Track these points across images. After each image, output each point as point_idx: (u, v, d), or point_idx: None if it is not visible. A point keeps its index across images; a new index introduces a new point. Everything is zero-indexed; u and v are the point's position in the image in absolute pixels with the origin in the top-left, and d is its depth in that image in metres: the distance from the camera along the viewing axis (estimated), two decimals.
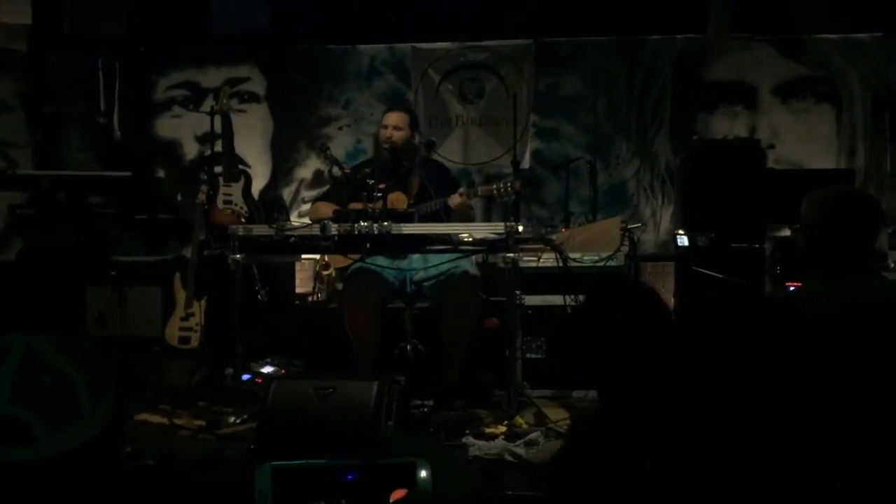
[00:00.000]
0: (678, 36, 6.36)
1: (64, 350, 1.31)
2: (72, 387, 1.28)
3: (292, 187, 6.72)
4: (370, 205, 3.53)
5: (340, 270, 4.50)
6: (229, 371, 3.98)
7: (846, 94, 6.30)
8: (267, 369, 4.28)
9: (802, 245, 2.22)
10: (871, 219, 2.11)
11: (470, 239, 3.55)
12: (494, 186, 4.04)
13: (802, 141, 6.32)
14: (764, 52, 6.30)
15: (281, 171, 6.74)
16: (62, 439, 1.24)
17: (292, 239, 3.55)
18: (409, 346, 4.19)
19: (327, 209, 3.93)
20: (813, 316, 1.89)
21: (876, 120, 6.27)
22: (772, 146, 6.24)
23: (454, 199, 3.97)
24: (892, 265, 4.64)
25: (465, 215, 4.04)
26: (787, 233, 5.86)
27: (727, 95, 6.35)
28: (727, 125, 6.31)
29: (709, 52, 6.33)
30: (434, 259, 3.88)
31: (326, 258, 5.15)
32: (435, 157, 6.19)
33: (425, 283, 4.04)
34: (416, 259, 3.99)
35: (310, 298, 5.74)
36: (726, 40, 6.22)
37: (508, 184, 3.98)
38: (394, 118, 4.25)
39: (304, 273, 6.09)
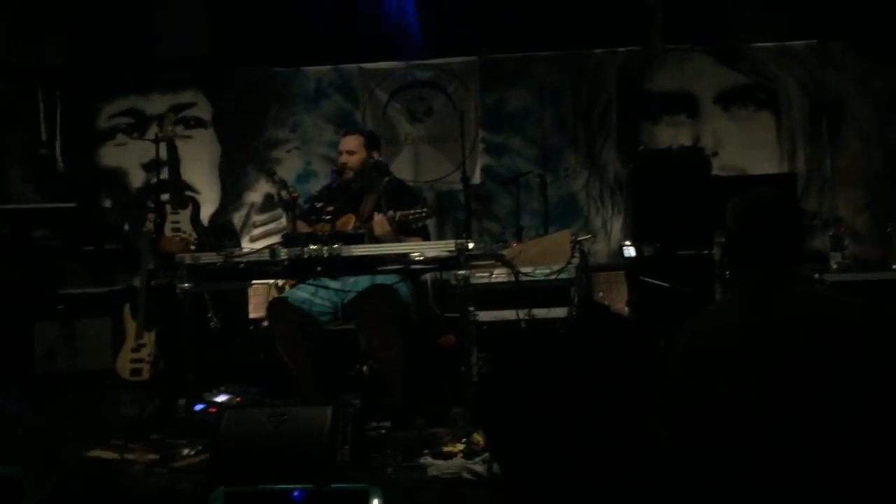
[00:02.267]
0: (620, 49, 6.47)
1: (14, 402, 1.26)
2: (42, 433, 1.23)
3: (242, 212, 6.66)
4: (318, 227, 3.50)
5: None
6: (181, 402, 3.91)
7: (784, 100, 6.46)
8: (221, 398, 4.21)
9: (720, 254, 2.18)
10: (784, 220, 1.95)
11: (421, 258, 3.54)
12: (411, 213, 3.93)
13: (745, 147, 6.46)
14: (703, 62, 6.45)
15: (230, 196, 6.67)
16: (45, 487, 1.19)
17: (241, 265, 3.51)
18: (364, 367, 4.16)
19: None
20: (714, 327, 1.88)
21: (814, 124, 6.43)
22: (716, 154, 6.36)
23: (376, 219, 3.89)
24: (834, 266, 4.74)
25: (389, 238, 3.95)
26: None
27: (670, 105, 6.48)
28: (672, 134, 6.42)
29: (650, 63, 6.45)
30: (362, 279, 3.85)
31: (281, 282, 5.10)
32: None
33: (348, 304, 3.99)
34: (350, 280, 3.94)
35: (264, 323, 5.68)
36: (665, 51, 6.35)
37: (423, 210, 3.90)
38: (347, 143, 4.20)
39: (258, 298, 6.02)
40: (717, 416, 1.75)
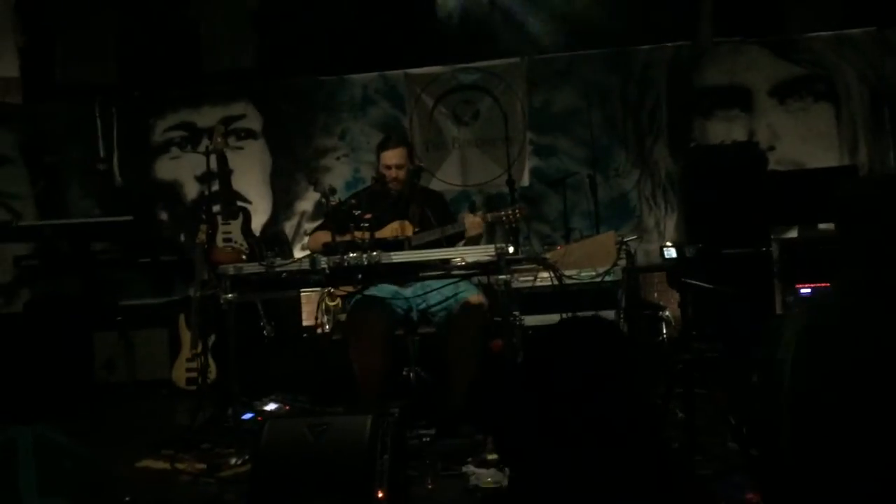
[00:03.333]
0: (668, 44, 6.33)
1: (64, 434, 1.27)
2: (91, 463, 1.24)
3: (294, 221, 6.73)
4: (358, 234, 3.50)
5: (344, 299, 4.45)
6: (230, 411, 3.95)
7: (843, 91, 6.24)
8: (270, 406, 4.24)
9: (844, 238, 2.10)
10: None
11: (462, 263, 3.50)
12: (503, 213, 3.97)
13: (803, 140, 6.26)
14: (756, 54, 6.27)
15: (281, 205, 6.75)
16: None
17: (283, 275, 3.52)
18: (411, 373, 4.14)
19: (326, 237, 3.90)
20: (841, 313, 1.86)
21: (876, 114, 6.20)
22: (772, 148, 6.20)
23: (469, 220, 3.91)
24: None
25: (479, 239, 3.97)
26: (794, 234, 5.79)
27: (723, 100, 6.32)
28: (725, 130, 6.26)
29: (700, 57, 6.30)
30: (436, 285, 3.82)
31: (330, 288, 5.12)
32: (434, 181, 6.22)
33: (431, 312, 3.97)
34: (417, 287, 3.94)
35: (318, 330, 5.71)
36: (715, 45, 6.20)
37: (516, 210, 3.91)
38: (394, 157, 4.16)
39: (312, 305, 6.06)
40: (845, 402, 1.75)
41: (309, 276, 3.46)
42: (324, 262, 3.39)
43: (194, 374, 5.12)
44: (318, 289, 5.45)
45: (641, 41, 6.34)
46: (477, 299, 3.89)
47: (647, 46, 6.35)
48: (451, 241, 3.96)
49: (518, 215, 3.93)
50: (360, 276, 3.46)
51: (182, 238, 6.66)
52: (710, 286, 2.71)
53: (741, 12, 6.12)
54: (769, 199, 5.36)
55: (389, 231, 4.02)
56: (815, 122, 6.27)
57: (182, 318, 5.33)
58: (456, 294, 3.87)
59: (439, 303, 3.91)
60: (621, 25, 6.19)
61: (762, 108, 6.31)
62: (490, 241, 5.86)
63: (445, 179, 6.35)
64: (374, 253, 3.33)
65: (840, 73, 6.22)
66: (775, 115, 6.30)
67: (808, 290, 5.32)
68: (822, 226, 5.68)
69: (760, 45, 6.26)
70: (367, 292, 3.94)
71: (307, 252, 3.82)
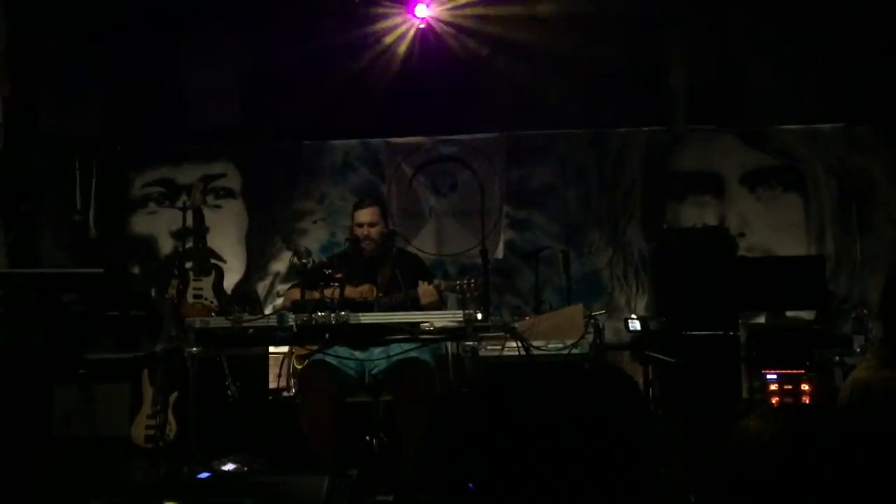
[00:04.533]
0: (645, 128, 6.51)
1: None
2: None
3: (267, 281, 6.72)
4: (328, 294, 3.50)
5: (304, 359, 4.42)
6: (186, 469, 3.86)
7: (812, 183, 6.41)
8: (228, 467, 4.15)
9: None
10: None
11: (431, 328, 3.51)
12: (457, 283, 4.03)
13: (772, 229, 6.39)
14: (729, 143, 6.45)
15: (255, 265, 6.75)
16: None
17: (250, 330, 3.50)
18: (374, 439, 4.09)
19: (297, 295, 3.91)
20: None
21: (843, 207, 6.35)
22: (742, 234, 6.31)
23: (422, 289, 3.95)
24: (857, 349, 4.61)
25: (435, 307, 4.00)
26: (762, 320, 5.87)
27: (695, 185, 6.46)
28: (697, 214, 6.38)
29: (675, 143, 6.47)
30: (395, 349, 3.83)
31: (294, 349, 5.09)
32: (409, 248, 6.27)
33: (381, 374, 3.96)
34: (377, 350, 3.94)
35: (284, 393, 5.65)
36: (690, 132, 6.38)
37: (472, 281, 3.97)
38: (367, 215, 4.22)
39: (279, 367, 6.00)
40: None
41: (276, 333, 3.44)
42: (291, 319, 3.38)
43: (153, 432, 5.03)
44: (285, 350, 5.44)
45: (619, 124, 6.50)
46: (426, 359, 3.88)
47: (623, 129, 6.52)
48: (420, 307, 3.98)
49: (472, 285, 3.97)
50: (327, 335, 3.44)
51: (153, 293, 6.61)
52: (673, 360, 2.73)
53: (715, 102, 6.33)
54: (738, 284, 5.44)
55: (357, 293, 4.03)
56: (785, 212, 6.41)
57: (146, 373, 5.28)
58: (405, 354, 3.84)
59: (388, 365, 3.90)
60: (600, 108, 6.35)
61: (733, 196, 6.46)
62: (461, 309, 5.95)
63: (420, 248, 6.40)
64: (343, 312, 3.33)
65: (809, 166, 6.40)
66: (746, 202, 6.44)
67: (775, 376, 5.37)
68: (789, 313, 5.77)
69: (733, 134, 6.44)
70: (318, 356, 3.92)
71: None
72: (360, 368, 3.98)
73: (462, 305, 6.09)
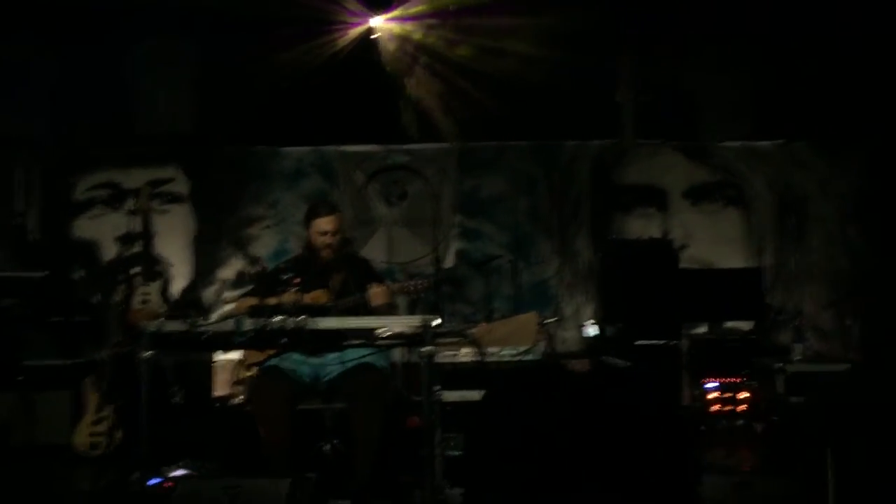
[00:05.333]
0: (593, 141, 6.66)
1: None
2: None
3: (214, 287, 6.64)
4: (285, 299, 3.50)
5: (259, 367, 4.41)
6: (136, 475, 3.81)
7: (752, 198, 6.64)
8: (178, 473, 4.10)
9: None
10: None
11: (388, 333, 3.52)
12: (409, 284, 4.08)
13: (713, 242, 6.60)
14: (673, 158, 6.65)
15: (203, 271, 6.66)
16: None
17: (206, 335, 3.47)
18: (328, 446, 4.09)
19: (253, 302, 3.89)
20: None
21: (782, 221, 6.59)
22: (684, 247, 6.49)
23: (373, 291, 3.97)
24: (796, 358, 4.79)
25: (386, 311, 4.03)
26: (703, 330, 6.04)
27: (640, 198, 6.63)
28: (642, 226, 6.55)
29: (622, 156, 6.63)
30: (350, 355, 3.84)
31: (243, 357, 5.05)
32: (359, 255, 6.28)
33: (335, 380, 3.97)
34: (331, 356, 3.94)
35: (230, 401, 5.60)
36: (636, 146, 6.55)
37: (420, 283, 4.02)
38: (329, 223, 4.20)
39: (225, 374, 5.95)
40: None
41: (232, 338, 3.41)
42: (248, 323, 3.37)
43: (97, 439, 4.95)
44: (232, 357, 5.40)
45: (568, 136, 6.63)
46: (382, 364, 3.91)
47: (573, 142, 6.66)
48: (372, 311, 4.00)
49: (422, 286, 4.02)
50: (283, 339, 3.44)
51: (96, 299, 6.48)
52: (628, 364, 2.82)
53: (661, 117, 6.51)
54: (680, 295, 5.60)
55: (310, 298, 4.03)
56: (726, 226, 6.63)
57: (88, 380, 5.17)
58: (357, 359, 3.85)
59: (343, 371, 3.92)
60: (550, 120, 6.47)
61: (676, 209, 6.65)
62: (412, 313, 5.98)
63: (371, 255, 6.39)
64: (301, 318, 3.33)
65: (749, 181, 6.63)
66: (688, 215, 6.64)
67: (715, 384, 5.54)
68: (729, 323, 5.97)
69: (676, 149, 6.64)
70: (272, 362, 3.92)
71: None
72: (314, 374, 3.98)
73: (411, 310, 6.15)
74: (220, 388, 5.85)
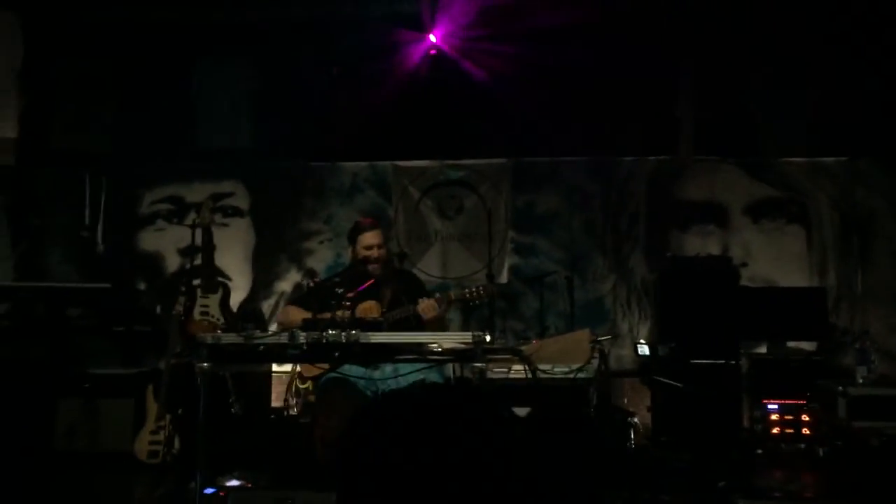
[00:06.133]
0: (650, 157, 6.59)
1: None
2: None
3: (272, 300, 6.75)
4: (339, 314, 3.54)
5: (315, 381, 4.45)
6: (192, 485, 3.88)
7: (815, 215, 6.48)
8: (232, 483, 4.17)
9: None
10: None
11: (439, 349, 3.54)
12: (467, 290, 4.07)
13: (775, 260, 6.44)
14: (733, 174, 6.52)
15: (261, 284, 6.79)
16: None
17: (261, 347, 3.54)
18: None
19: (297, 314, 3.95)
20: None
21: (845, 240, 6.41)
22: (745, 264, 6.36)
23: (422, 304, 3.98)
24: (860, 381, 4.64)
25: (437, 324, 4.04)
26: (763, 350, 5.90)
27: (699, 214, 6.53)
28: (700, 243, 6.45)
29: (680, 173, 6.54)
30: (404, 369, 3.85)
31: (300, 369, 5.12)
32: (415, 270, 6.31)
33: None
34: (387, 370, 3.97)
35: (286, 412, 5.67)
36: (695, 162, 6.46)
37: (481, 288, 4.02)
38: (374, 237, 4.27)
39: (282, 386, 6.04)
40: None
41: (286, 351, 3.48)
42: (302, 337, 3.42)
43: (156, 447, 5.05)
44: (288, 369, 5.48)
45: (625, 152, 6.58)
46: (433, 380, 3.90)
47: (629, 158, 6.60)
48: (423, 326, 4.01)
49: (482, 292, 4.01)
50: (336, 353, 3.48)
51: (158, 309, 6.64)
52: (680, 385, 2.77)
53: (720, 133, 6.41)
54: (740, 314, 5.48)
55: (361, 311, 4.07)
56: (787, 243, 6.48)
57: (150, 389, 5.29)
58: (412, 372, 3.86)
59: (397, 386, 3.93)
60: (606, 136, 6.43)
61: (736, 226, 6.52)
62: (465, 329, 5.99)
63: (426, 270, 6.45)
64: (353, 332, 3.37)
65: (812, 199, 6.47)
66: (749, 233, 6.51)
67: (776, 406, 5.40)
68: (790, 343, 5.81)
69: (737, 165, 6.52)
70: (335, 374, 3.95)
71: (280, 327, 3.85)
72: (373, 388, 4.01)
73: (465, 319, 6.16)
74: (277, 400, 5.94)
